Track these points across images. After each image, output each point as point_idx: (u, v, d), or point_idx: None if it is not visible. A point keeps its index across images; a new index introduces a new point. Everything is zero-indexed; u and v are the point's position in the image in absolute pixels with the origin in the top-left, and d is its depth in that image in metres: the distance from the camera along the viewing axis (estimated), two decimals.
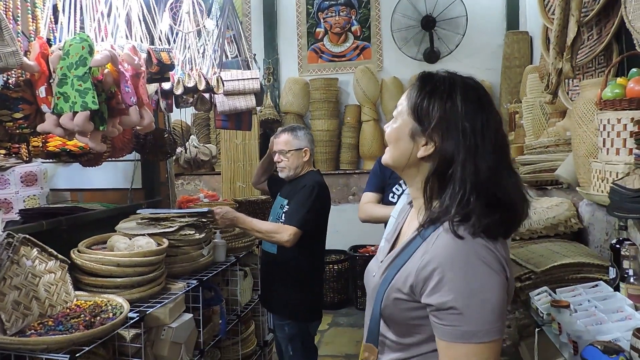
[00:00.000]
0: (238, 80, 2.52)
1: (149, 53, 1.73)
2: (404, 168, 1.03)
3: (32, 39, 1.48)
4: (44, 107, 1.40)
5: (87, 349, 1.44)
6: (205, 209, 2.25)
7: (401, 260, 0.97)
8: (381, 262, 1.07)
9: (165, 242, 1.98)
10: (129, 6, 1.73)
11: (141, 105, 1.55)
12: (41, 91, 1.40)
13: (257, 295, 2.81)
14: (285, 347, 2.55)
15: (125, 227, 2.10)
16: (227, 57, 2.78)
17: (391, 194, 2.41)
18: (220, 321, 2.38)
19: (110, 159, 2.33)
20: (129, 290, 1.79)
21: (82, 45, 1.38)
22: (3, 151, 1.64)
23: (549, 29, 3.02)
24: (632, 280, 1.66)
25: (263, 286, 2.68)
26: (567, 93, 2.84)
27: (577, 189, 2.29)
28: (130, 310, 1.66)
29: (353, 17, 5.46)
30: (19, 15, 1.44)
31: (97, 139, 1.46)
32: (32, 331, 1.46)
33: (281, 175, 2.58)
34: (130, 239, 1.96)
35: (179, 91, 2.14)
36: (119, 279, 1.78)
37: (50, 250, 1.68)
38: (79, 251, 1.84)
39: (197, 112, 5.05)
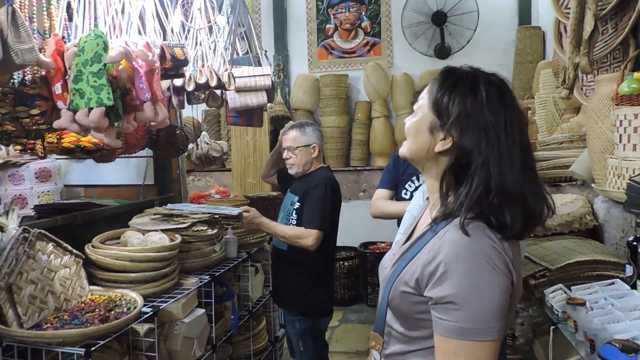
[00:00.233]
0: (249, 76, 2.52)
1: (162, 49, 1.73)
2: (422, 162, 1.03)
3: (48, 35, 1.49)
4: (60, 104, 1.41)
5: (102, 343, 1.46)
6: (235, 212, 2.27)
7: (411, 254, 0.98)
8: (394, 254, 1.08)
9: (178, 238, 1.99)
10: (142, 3, 1.73)
11: (155, 101, 1.56)
12: (57, 88, 1.41)
13: (268, 291, 2.82)
14: (296, 343, 2.56)
15: (139, 223, 2.11)
16: (238, 53, 2.79)
17: (404, 191, 2.41)
18: (232, 316, 2.39)
19: (123, 156, 2.34)
20: (142, 285, 1.81)
21: (96, 41, 1.38)
22: (19, 147, 1.65)
23: (561, 24, 2.98)
24: None
25: (274, 282, 2.69)
26: (582, 89, 2.80)
27: (593, 185, 2.26)
28: (144, 305, 1.67)
29: (363, 13, 5.44)
30: (35, 13, 1.44)
31: (112, 135, 1.47)
32: (48, 325, 1.48)
33: (290, 171, 2.58)
34: (143, 234, 1.98)
35: (190, 87, 2.14)
36: (132, 274, 1.79)
37: (65, 245, 1.69)
38: (93, 246, 1.85)
39: (207, 108, 5.08)
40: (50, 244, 1.64)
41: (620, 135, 1.92)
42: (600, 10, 2.44)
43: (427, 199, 1.12)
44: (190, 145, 2.97)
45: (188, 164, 3.49)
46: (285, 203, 2.63)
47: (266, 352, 2.84)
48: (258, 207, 2.68)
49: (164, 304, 1.79)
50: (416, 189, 2.34)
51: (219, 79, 2.15)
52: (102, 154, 2.08)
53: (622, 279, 1.80)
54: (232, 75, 2.23)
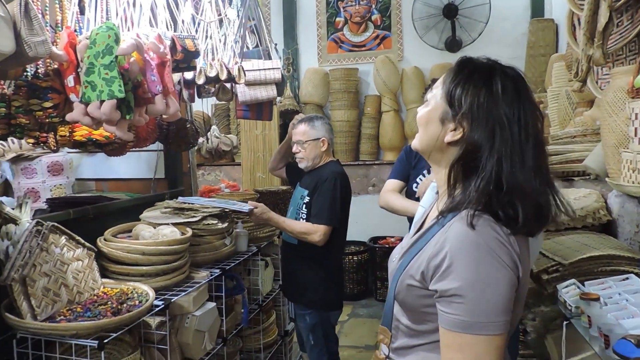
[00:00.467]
0: (259, 70, 2.51)
1: (173, 40, 1.72)
2: (431, 153, 1.02)
3: (60, 28, 1.49)
4: (72, 96, 1.42)
5: (114, 335, 1.47)
6: (245, 209, 2.28)
7: (418, 247, 0.98)
8: (402, 247, 1.08)
9: (189, 232, 2.00)
10: None
11: (167, 94, 1.55)
12: (69, 80, 1.41)
13: (278, 285, 2.82)
14: (306, 337, 2.57)
15: (150, 216, 2.12)
16: (247, 47, 2.78)
17: (415, 184, 2.39)
18: (242, 310, 2.39)
19: (134, 149, 2.35)
20: (153, 278, 1.82)
21: (108, 34, 1.38)
22: (32, 140, 1.66)
23: (574, 16, 2.93)
24: None
25: (284, 276, 2.69)
26: (596, 82, 2.76)
27: (606, 179, 2.23)
28: (155, 298, 1.68)
29: (373, 6, 5.40)
30: (47, 6, 1.44)
31: (124, 128, 1.47)
32: (62, 317, 1.49)
33: (300, 165, 2.59)
34: (154, 227, 1.98)
35: (201, 81, 2.14)
36: (144, 267, 1.80)
37: (77, 238, 1.70)
38: (105, 239, 1.86)
39: (217, 102, 5.08)
40: (63, 237, 1.65)
41: (636, 128, 1.89)
42: (615, 2, 2.40)
43: (437, 192, 1.11)
44: (201, 139, 2.97)
45: (198, 158, 3.50)
46: (295, 197, 2.63)
47: (276, 345, 2.85)
48: (268, 202, 2.69)
49: (175, 297, 1.80)
50: None
51: (229, 72, 2.15)
52: (113, 148, 2.08)
53: (636, 274, 1.78)
54: (243, 68, 2.23)
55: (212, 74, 2.08)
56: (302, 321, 2.56)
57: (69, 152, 2.93)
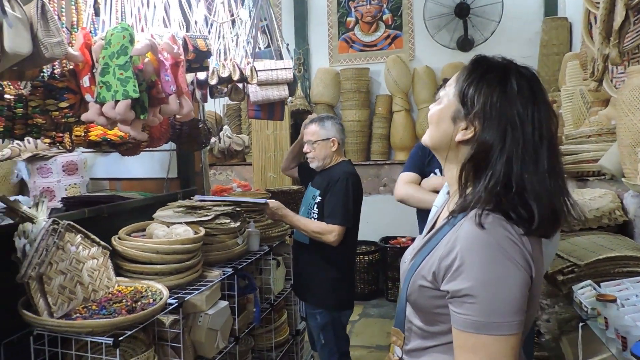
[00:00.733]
0: (271, 70, 2.52)
1: (184, 40, 1.73)
2: (442, 151, 1.02)
3: (76, 29, 1.51)
4: (88, 97, 1.43)
5: (129, 333, 1.48)
6: (263, 200, 2.35)
7: (429, 248, 0.97)
8: (414, 248, 1.08)
9: (202, 231, 2.01)
10: None
11: (180, 94, 1.56)
12: (85, 81, 1.42)
13: (290, 285, 2.83)
14: (317, 336, 2.57)
15: (163, 216, 2.13)
16: (259, 47, 2.78)
17: None
18: (254, 309, 2.40)
19: (147, 149, 2.37)
20: (167, 277, 1.83)
21: (123, 34, 1.39)
22: (48, 140, 1.68)
23: (591, 14, 2.90)
24: None
25: (295, 275, 2.70)
26: (611, 81, 2.73)
27: (622, 179, 2.20)
28: (169, 297, 1.69)
29: (384, 6, 5.39)
30: (63, 7, 1.46)
31: (138, 128, 1.48)
32: (78, 315, 1.50)
33: (311, 165, 2.60)
34: (168, 227, 2.00)
35: (213, 81, 2.15)
36: (158, 266, 1.81)
37: (92, 236, 1.72)
38: (119, 238, 1.88)
39: (228, 102, 5.11)
40: (78, 236, 1.67)
41: None
42: (632, 0, 2.37)
43: (448, 192, 1.10)
44: (213, 139, 2.99)
45: (210, 158, 3.51)
46: (306, 197, 2.63)
47: (287, 345, 2.85)
48: (279, 201, 2.70)
49: (189, 296, 1.81)
50: None
51: (241, 73, 2.15)
52: (127, 147, 2.10)
53: None
54: (255, 68, 2.23)
55: (225, 74, 2.09)
56: (313, 320, 2.56)
57: (83, 152, 2.96)
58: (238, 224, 2.24)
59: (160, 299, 1.63)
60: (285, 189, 3.39)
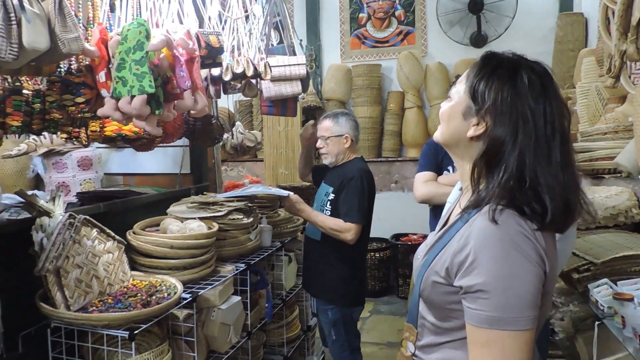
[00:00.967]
0: (284, 66, 2.51)
1: (197, 36, 1.74)
2: (454, 148, 1.02)
3: (92, 25, 1.52)
4: (104, 92, 1.44)
5: (144, 326, 1.49)
6: (285, 193, 2.41)
7: (442, 244, 0.97)
8: (427, 245, 1.08)
9: (215, 226, 2.02)
10: None
11: (195, 89, 1.57)
12: (101, 76, 1.43)
13: (301, 281, 2.83)
14: (328, 332, 2.57)
15: (177, 211, 2.15)
16: (272, 43, 2.78)
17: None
18: (266, 305, 2.41)
19: (161, 145, 2.38)
20: (181, 271, 1.84)
21: (139, 30, 1.40)
22: (65, 135, 1.70)
23: (608, 9, 2.85)
24: None
25: (305, 272, 2.69)
26: (629, 77, 2.68)
27: (639, 177, 2.17)
28: (183, 291, 1.71)
29: (397, 2, 5.35)
30: (80, 3, 1.47)
31: (153, 123, 1.49)
32: (94, 308, 1.52)
33: (324, 161, 2.60)
34: (182, 222, 2.01)
35: (227, 77, 2.15)
36: (172, 261, 1.83)
37: (108, 231, 1.74)
38: (134, 233, 1.89)
39: (240, 99, 5.12)
40: (94, 230, 1.68)
41: None
42: None
43: (461, 189, 1.10)
44: (225, 135, 3.00)
45: (222, 154, 3.53)
46: (319, 194, 2.63)
47: (298, 340, 2.86)
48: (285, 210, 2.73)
49: (202, 291, 1.82)
50: None
51: (255, 69, 2.16)
52: (141, 143, 2.12)
53: None
54: (269, 64, 2.23)
55: (239, 70, 2.09)
56: (324, 316, 2.57)
57: (97, 147, 2.99)
58: (251, 219, 2.24)
59: (175, 293, 1.65)
60: (296, 185, 3.39)
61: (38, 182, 3.12)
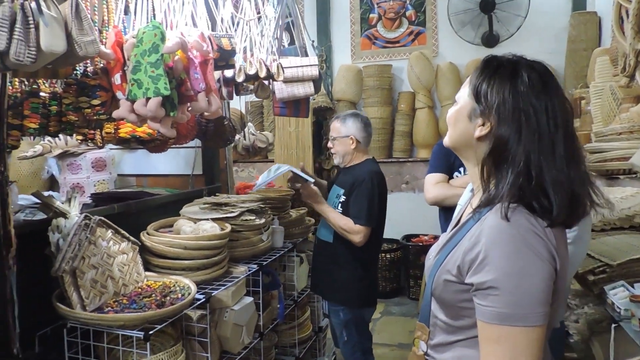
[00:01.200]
0: (297, 67, 2.52)
1: (209, 39, 1.75)
2: (463, 150, 1.05)
3: (107, 28, 1.53)
4: (119, 94, 1.45)
5: (159, 327, 1.50)
6: (310, 179, 2.49)
7: (454, 242, 0.98)
8: (438, 245, 1.09)
9: (228, 227, 2.03)
10: None
11: (209, 91, 1.58)
12: (116, 78, 1.45)
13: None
14: (339, 333, 2.57)
15: (189, 212, 2.16)
16: (283, 44, 2.79)
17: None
18: (278, 305, 2.42)
19: (173, 146, 2.40)
20: (194, 272, 1.85)
21: (154, 32, 1.41)
22: (80, 137, 1.72)
23: (622, 8, 2.82)
24: None
25: (315, 273, 2.68)
26: None
27: None
28: (196, 292, 1.71)
29: (408, 2, 5.34)
30: (96, 6, 1.49)
31: (167, 125, 1.50)
32: (109, 308, 1.53)
33: (335, 161, 2.65)
34: (195, 223, 2.02)
35: (240, 78, 2.16)
36: (185, 261, 1.84)
37: (122, 232, 1.75)
38: (148, 234, 1.91)
39: (251, 100, 5.13)
40: (109, 231, 1.70)
41: None
42: None
43: (472, 190, 1.12)
44: (237, 136, 3.01)
45: (234, 155, 3.54)
46: (330, 196, 2.63)
47: (310, 341, 2.86)
48: (301, 197, 2.72)
49: (215, 291, 1.83)
50: None
51: (268, 70, 2.16)
52: (155, 144, 2.13)
53: None
54: (281, 65, 2.24)
55: (252, 71, 2.10)
56: (335, 317, 2.57)
57: (111, 149, 3.02)
58: (263, 220, 2.25)
59: (189, 294, 1.65)
60: None
61: (52, 183, 3.16)
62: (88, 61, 1.50)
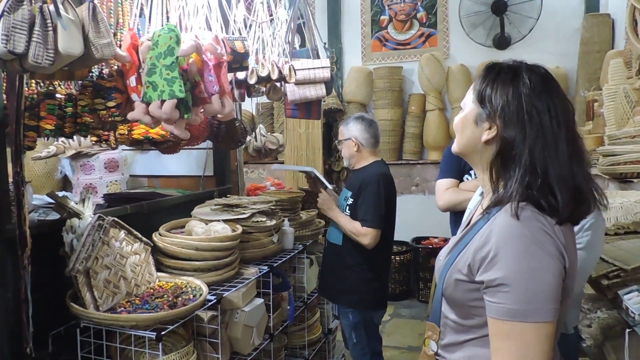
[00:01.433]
0: (309, 69, 2.53)
1: (223, 42, 1.76)
2: (471, 155, 1.07)
3: (122, 31, 1.55)
4: (134, 96, 1.47)
5: (171, 327, 1.51)
6: (329, 185, 2.61)
7: (464, 242, 1.00)
8: (448, 246, 1.11)
9: (239, 228, 2.03)
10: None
11: (222, 94, 1.59)
12: (131, 80, 1.46)
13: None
14: (349, 335, 2.57)
15: (201, 213, 2.17)
16: (295, 46, 2.80)
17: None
18: (288, 307, 2.42)
19: (185, 147, 2.42)
20: (206, 273, 1.86)
21: (170, 35, 1.42)
22: (95, 138, 1.73)
23: (636, 10, 2.80)
24: None
25: (325, 276, 2.68)
26: None
27: None
28: (208, 293, 1.72)
29: (419, 4, 5.33)
30: (112, 9, 1.50)
31: (181, 127, 1.51)
32: (122, 309, 1.55)
33: (343, 163, 2.69)
34: (206, 224, 2.03)
35: (253, 80, 2.17)
36: (197, 262, 1.85)
37: (135, 232, 1.77)
38: (160, 234, 1.92)
39: (261, 102, 5.15)
40: (122, 232, 1.71)
41: None
42: None
43: (481, 194, 1.14)
44: (248, 138, 3.02)
45: (244, 156, 3.55)
46: (340, 198, 2.64)
47: (320, 343, 2.86)
48: (312, 200, 2.74)
49: (226, 293, 1.84)
50: None
51: (280, 72, 2.17)
52: (167, 146, 2.15)
53: None
54: (293, 67, 2.25)
55: (264, 73, 2.11)
56: (345, 319, 2.57)
57: (124, 150, 3.04)
58: (274, 222, 2.26)
59: (200, 295, 1.66)
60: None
61: (65, 184, 3.19)
62: (104, 63, 1.51)
